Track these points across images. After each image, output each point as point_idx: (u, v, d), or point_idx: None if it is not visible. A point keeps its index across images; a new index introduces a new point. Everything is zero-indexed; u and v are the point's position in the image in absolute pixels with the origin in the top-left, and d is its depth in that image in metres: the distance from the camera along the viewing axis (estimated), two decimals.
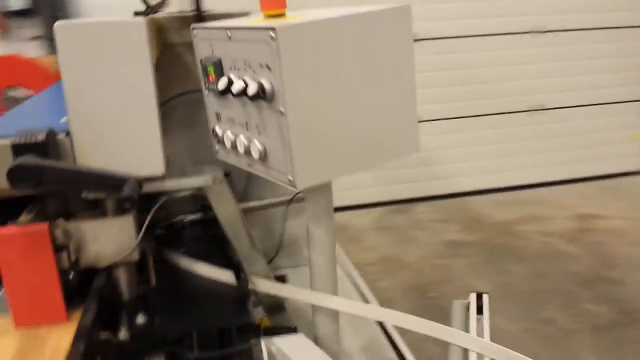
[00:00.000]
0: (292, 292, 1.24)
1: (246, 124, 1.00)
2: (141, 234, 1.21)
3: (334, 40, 0.94)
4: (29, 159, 1.01)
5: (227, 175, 1.78)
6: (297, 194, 1.75)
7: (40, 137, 1.05)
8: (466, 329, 1.20)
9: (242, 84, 0.92)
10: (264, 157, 0.98)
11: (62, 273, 1.14)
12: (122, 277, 1.26)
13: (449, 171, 5.19)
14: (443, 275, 3.89)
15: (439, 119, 5.02)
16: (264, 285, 1.26)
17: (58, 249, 1.13)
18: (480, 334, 1.18)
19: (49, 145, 1.06)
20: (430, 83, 4.86)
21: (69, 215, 1.20)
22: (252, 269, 1.28)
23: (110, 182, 1.00)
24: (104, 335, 1.14)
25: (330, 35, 0.93)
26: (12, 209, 1.18)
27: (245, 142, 1.00)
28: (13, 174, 0.97)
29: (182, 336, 1.24)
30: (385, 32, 1.02)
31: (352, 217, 4.96)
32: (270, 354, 1.15)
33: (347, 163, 1.02)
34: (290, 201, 1.78)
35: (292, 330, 1.28)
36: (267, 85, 0.90)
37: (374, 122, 1.04)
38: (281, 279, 1.80)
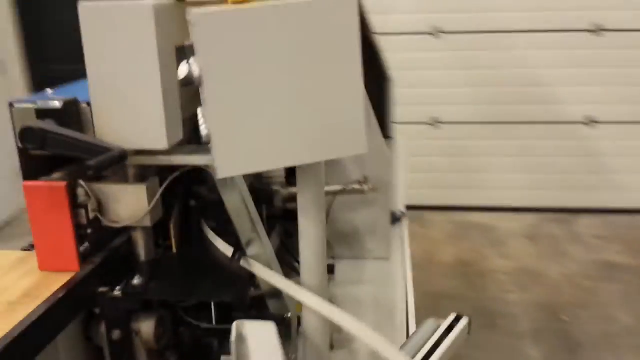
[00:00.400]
0: (276, 280, 1.23)
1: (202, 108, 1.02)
2: (154, 202, 1.30)
3: (259, 30, 0.90)
4: (41, 124, 1.15)
5: None
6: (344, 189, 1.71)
7: (58, 104, 1.19)
8: (422, 346, 1.07)
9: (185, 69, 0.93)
10: (208, 141, 0.99)
11: (80, 228, 1.28)
12: (139, 241, 1.37)
13: (625, 183, 4.56)
14: (585, 298, 3.47)
15: (618, 122, 4.42)
16: (256, 268, 1.26)
17: (78, 206, 1.28)
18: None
19: (65, 113, 1.20)
20: (610, 80, 4.29)
21: (100, 178, 1.33)
22: (253, 251, 1.30)
23: (94, 150, 1.10)
24: (102, 289, 1.25)
25: (254, 25, 0.90)
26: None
27: (201, 125, 1.02)
28: (21, 135, 1.12)
29: (175, 303, 1.31)
30: (323, 24, 0.94)
31: (502, 220, 4.64)
32: (239, 336, 1.16)
33: (275, 156, 0.97)
34: (338, 193, 1.75)
35: (280, 318, 1.27)
36: (195, 72, 0.90)
37: (307, 117, 0.97)
38: (329, 268, 1.79)
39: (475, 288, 3.70)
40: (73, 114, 1.21)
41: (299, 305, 1.61)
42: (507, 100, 4.63)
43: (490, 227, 4.54)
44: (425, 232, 4.59)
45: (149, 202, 1.30)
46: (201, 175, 1.54)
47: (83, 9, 1.17)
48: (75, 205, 1.27)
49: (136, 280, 1.27)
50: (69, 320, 1.19)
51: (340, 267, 1.89)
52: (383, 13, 4.66)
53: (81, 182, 1.27)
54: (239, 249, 1.30)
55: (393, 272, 1.81)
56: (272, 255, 1.34)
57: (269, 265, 1.30)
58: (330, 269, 1.79)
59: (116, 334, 1.26)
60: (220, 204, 1.50)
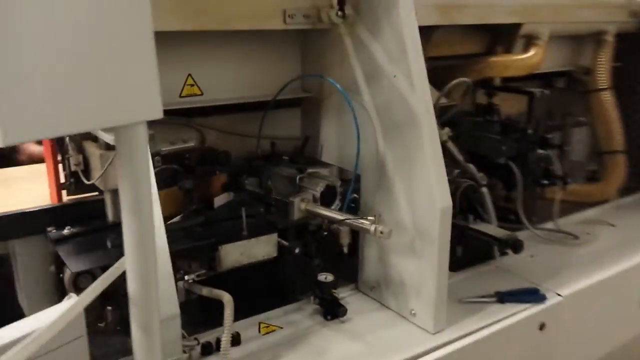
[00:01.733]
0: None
1: None
2: (104, 169, 1.42)
3: None
4: None
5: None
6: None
7: None
8: None
9: None
10: None
11: (65, 175, 1.53)
12: (107, 202, 1.50)
13: None
14: None
15: None
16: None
17: (65, 157, 1.51)
18: None
19: None
20: None
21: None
22: None
23: None
24: (50, 228, 1.46)
25: None
26: None
27: None
28: None
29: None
30: None
31: None
32: None
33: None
34: (338, 221, 1.43)
35: None
36: None
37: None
38: (340, 309, 1.51)
39: None
40: None
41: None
42: None
43: None
44: None
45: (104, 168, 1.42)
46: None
47: None
48: (63, 155, 1.51)
49: (65, 230, 1.42)
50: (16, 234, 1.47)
51: (370, 316, 1.56)
52: None
53: (66, 137, 1.49)
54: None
55: (407, 349, 1.41)
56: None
57: None
58: (338, 312, 1.51)
59: (52, 267, 1.45)
60: None
